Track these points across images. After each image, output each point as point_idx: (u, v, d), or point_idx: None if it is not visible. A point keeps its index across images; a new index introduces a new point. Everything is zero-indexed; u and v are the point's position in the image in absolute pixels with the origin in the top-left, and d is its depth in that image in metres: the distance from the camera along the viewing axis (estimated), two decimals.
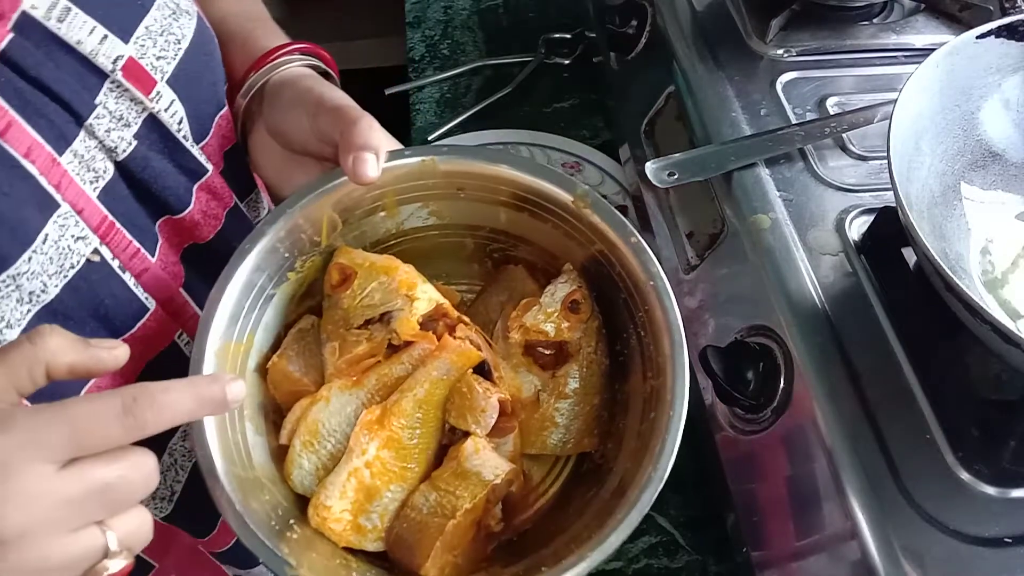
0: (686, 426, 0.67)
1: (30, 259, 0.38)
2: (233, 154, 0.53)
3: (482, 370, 0.45)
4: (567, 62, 0.99)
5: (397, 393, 0.44)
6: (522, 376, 0.46)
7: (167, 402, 0.33)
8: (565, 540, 0.41)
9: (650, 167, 0.66)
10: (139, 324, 0.44)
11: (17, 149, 0.37)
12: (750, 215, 0.62)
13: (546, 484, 0.48)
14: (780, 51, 0.74)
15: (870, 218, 0.61)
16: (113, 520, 0.32)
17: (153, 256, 0.45)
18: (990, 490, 0.48)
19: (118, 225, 0.42)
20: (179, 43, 0.45)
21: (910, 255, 0.57)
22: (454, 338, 0.45)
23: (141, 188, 0.44)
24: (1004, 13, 0.74)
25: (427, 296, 0.45)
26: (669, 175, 0.65)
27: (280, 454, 0.44)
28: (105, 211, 0.42)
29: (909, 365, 0.53)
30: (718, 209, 0.66)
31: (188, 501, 0.50)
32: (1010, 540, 0.47)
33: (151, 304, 0.45)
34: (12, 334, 0.38)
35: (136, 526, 0.34)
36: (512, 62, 1.00)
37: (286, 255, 0.46)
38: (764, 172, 0.65)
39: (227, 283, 0.43)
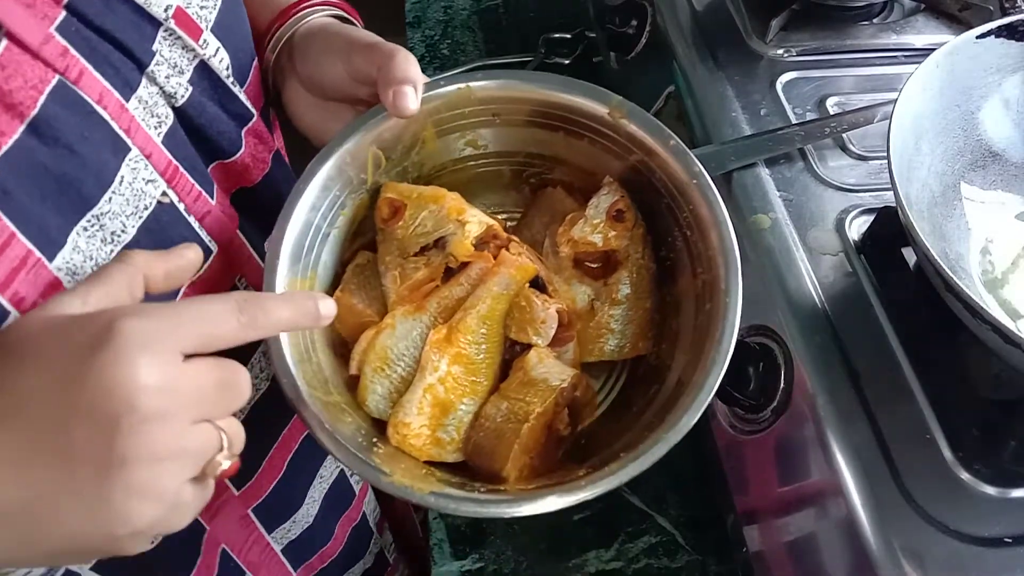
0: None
1: (110, 200, 0.40)
2: (264, 104, 0.55)
3: (537, 285, 0.46)
4: (567, 62, 0.99)
5: (460, 311, 0.45)
6: (575, 288, 0.48)
7: (272, 307, 0.36)
8: (632, 436, 0.43)
9: None
10: (205, 266, 0.46)
11: (90, 95, 0.39)
12: (750, 215, 0.62)
13: (606, 390, 0.49)
14: (780, 51, 0.74)
15: (870, 218, 0.61)
16: (221, 421, 0.35)
17: (212, 200, 0.47)
18: (990, 490, 0.48)
19: (182, 169, 0.44)
20: None
21: (910, 255, 0.57)
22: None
23: (198, 133, 0.46)
24: (1004, 13, 0.74)
25: (477, 219, 0.46)
26: None
27: (352, 384, 0.46)
28: (169, 155, 0.43)
29: (909, 365, 0.53)
30: None
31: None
32: (1010, 540, 0.47)
33: (214, 247, 0.47)
34: None
35: (237, 430, 0.36)
36: (512, 62, 1.00)
37: (337, 193, 0.47)
38: (764, 172, 0.65)
39: (287, 222, 0.45)
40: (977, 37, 0.59)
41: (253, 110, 0.49)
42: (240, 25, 0.50)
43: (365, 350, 0.45)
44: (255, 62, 0.52)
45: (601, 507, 0.53)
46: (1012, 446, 0.51)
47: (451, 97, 0.49)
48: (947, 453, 0.50)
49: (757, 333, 0.58)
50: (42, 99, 0.36)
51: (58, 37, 0.37)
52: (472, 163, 0.51)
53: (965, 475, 0.49)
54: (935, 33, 0.76)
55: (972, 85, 0.61)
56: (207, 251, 0.46)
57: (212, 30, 0.46)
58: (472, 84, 0.48)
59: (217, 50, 0.46)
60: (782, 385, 0.55)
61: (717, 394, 0.58)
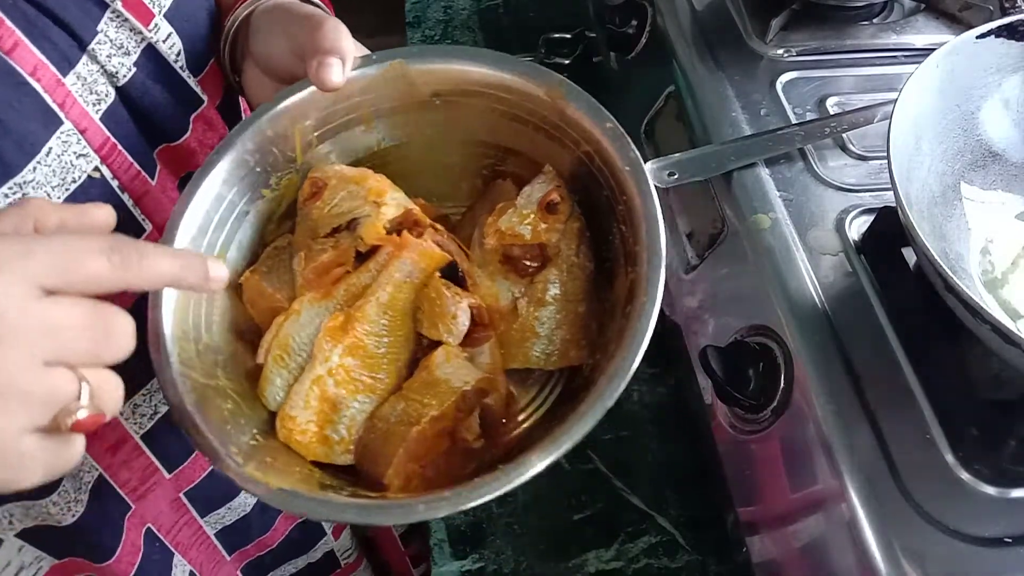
0: (687, 424, 0.68)
1: (35, 169, 0.40)
2: (228, 93, 0.55)
3: (455, 278, 0.43)
4: (567, 62, 0.99)
5: (362, 299, 0.42)
6: (499, 284, 0.44)
7: (151, 252, 0.33)
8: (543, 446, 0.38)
9: (650, 167, 0.66)
10: None
11: (23, 67, 0.39)
12: (750, 215, 0.62)
13: (537, 402, 0.45)
14: (780, 51, 0.74)
15: (870, 218, 0.61)
16: (88, 371, 0.31)
17: (153, 180, 0.47)
18: (990, 490, 0.48)
19: (120, 147, 0.44)
20: None
21: (910, 255, 0.57)
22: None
23: (141, 114, 0.46)
24: (1004, 13, 0.74)
25: (396, 202, 0.43)
26: (669, 175, 0.65)
27: (256, 374, 0.42)
28: (107, 133, 0.43)
29: (909, 365, 0.53)
30: (718, 209, 0.65)
31: (166, 426, 0.51)
32: (1010, 540, 0.47)
33: (148, 226, 0.47)
34: None
35: (110, 385, 0.33)
36: None
37: (258, 170, 0.44)
38: (764, 172, 0.65)
39: (195, 191, 0.42)
40: (977, 37, 0.59)
41: (204, 97, 0.49)
42: (199, 14, 0.50)
43: (273, 337, 0.42)
44: (213, 47, 0.52)
45: (601, 507, 0.53)
46: (1012, 446, 0.51)
47: (383, 74, 0.45)
48: (947, 453, 0.49)
49: (757, 333, 0.58)
50: None
51: None
52: (418, 150, 0.47)
53: (965, 475, 0.49)
54: (935, 33, 0.76)
55: (972, 85, 0.61)
56: (140, 229, 0.46)
57: (165, 15, 0.46)
58: (405, 60, 0.44)
59: (168, 35, 0.46)
60: (782, 385, 0.55)
61: (718, 395, 0.58)
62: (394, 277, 0.42)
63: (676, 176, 0.65)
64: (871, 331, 0.55)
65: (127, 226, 0.45)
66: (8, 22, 0.39)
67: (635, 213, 0.41)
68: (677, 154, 0.66)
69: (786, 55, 0.74)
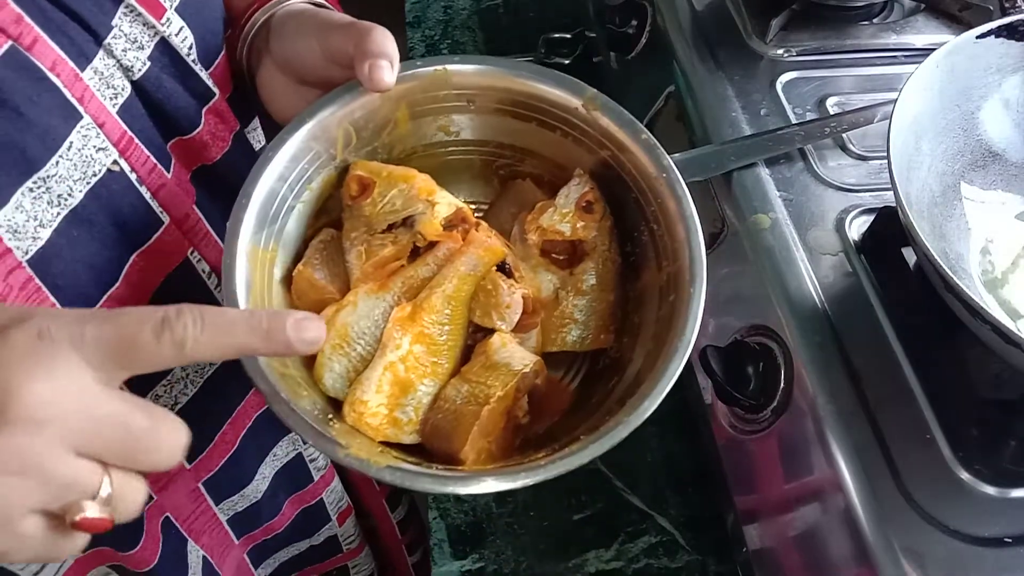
0: (687, 424, 0.68)
1: (57, 163, 0.41)
2: (236, 85, 0.55)
3: (503, 270, 0.46)
4: (567, 62, 0.99)
5: (426, 290, 0.45)
6: (541, 276, 0.48)
7: (217, 322, 0.33)
8: (594, 421, 0.42)
9: None
10: (154, 237, 0.46)
11: (43, 62, 0.40)
12: (750, 215, 0.62)
13: (565, 382, 0.49)
14: (780, 51, 0.74)
15: (870, 218, 0.61)
16: (115, 470, 0.31)
17: (168, 173, 0.47)
18: (990, 490, 0.48)
19: (136, 141, 0.45)
20: None
21: (910, 255, 0.57)
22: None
23: (155, 107, 0.46)
24: (1004, 13, 0.74)
25: (447, 201, 0.46)
26: None
27: (308, 362, 0.44)
28: (124, 127, 0.44)
29: (909, 365, 0.53)
30: (718, 209, 0.66)
31: (187, 417, 0.52)
32: (1010, 540, 0.47)
33: (165, 219, 0.47)
34: (45, 233, 0.41)
35: (133, 493, 0.32)
36: None
37: (305, 166, 0.47)
38: (764, 172, 0.65)
39: (254, 186, 0.44)
40: (977, 37, 0.59)
41: (215, 90, 0.50)
42: (210, 9, 0.51)
43: (324, 327, 0.43)
44: (223, 41, 0.52)
45: (601, 507, 0.53)
46: (1012, 446, 0.51)
47: (427, 79, 0.48)
48: (947, 453, 0.50)
49: (757, 333, 0.58)
50: None
51: (12, 5, 0.38)
52: (442, 150, 0.50)
53: (965, 475, 0.49)
54: (935, 33, 0.76)
55: (972, 85, 0.61)
56: (158, 222, 0.47)
57: (177, 9, 0.47)
58: (449, 67, 0.48)
59: (180, 29, 0.47)
60: (782, 385, 0.55)
61: (718, 395, 0.58)
62: (460, 270, 0.45)
63: None
64: (871, 331, 0.55)
65: (145, 219, 0.46)
66: (27, 18, 0.39)
67: (671, 216, 0.45)
68: (677, 154, 0.66)
69: (786, 55, 0.74)
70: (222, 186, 0.51)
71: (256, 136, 0.64)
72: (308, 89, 0.52)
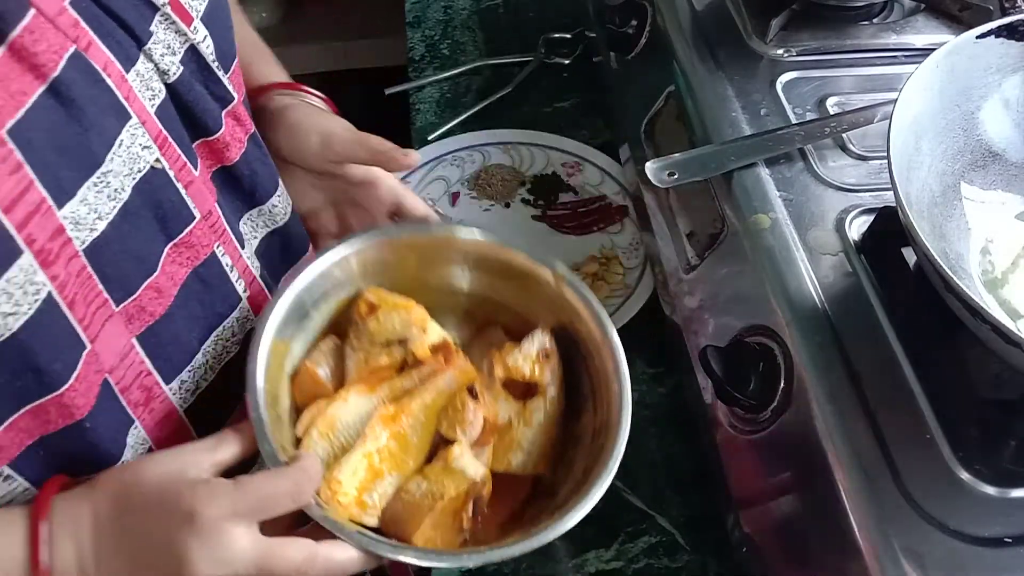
0: (687, 424, 0.68)
1: (111, 160, 0.44)
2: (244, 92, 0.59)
3: (471, 393, 0.54)
4: (567, 62, 0.99)
5: (408, 397, 0.53)
6: (500, 404, 0.56)
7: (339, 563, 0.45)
8: (524, 530, 0.51)
9: (650, 167, 0.66)
10: (188, 229, 0.50)
11: (98, 64, 0.43)
12: (750, 215, 0.62)
13: (506, 497, 0.57)
14: (780, 51, 0.74)
15: (870, 218, 0.61)
16: None
17: (196, 171, 0.51)
18: (990, 490, 0.48)
19: (171, 140, 0.48)
20: None
21: (910, 255, 0.57)
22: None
23: (185, 110, 0.50)
24: (1004, 13, 0.74)
25: (436, 332, 0.56)
26: (669, 175, 0.65)
27: (295, 444, 0.52)
28: (160, 126, 0.47)
29: (909, 365, 0.53)
30: (718, 209, 0.66)
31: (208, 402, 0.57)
32: (1010, 540, 0.47)
33: (197, 214, 0.51)
34: (101, 225, 0.44)
35: None
36: (512, 62, 1.00)
37: (328, 285, 0.56)
38: (764, 172, 0.65)
39: (287, 289, 0.53)
40: (977, 37, 0.59)
41: (234, 94, 0.54)
42: (225, 16, 0.55)
43: (315, 415, 0.52)
44: (237, 51, 0.57)
45: (601, 507, 0.53)
46: (1012, 446, 0.51)
47: (438, 237, 0.60)
48: (947, 453, 0.49)
49: (757, 333, 0.58)
50: (62, 63, 0.41)
51: (71, 10, 0.42)
52: (438, 291, 0.60)
53: (965, 475, 0.49)
54: (935, 33, 0.76)
55: (972, 85, 0.61)
56: (191, 216, 0.50)
57: (202, 19, 0.50)
58: (457, 234, 0.59)
59: (205, 37, 0.51)
60: (782, 385, 0.55)
61: (718, 395, 0.59)
62: (439, 386, 0.54)
63: (676, 176, 0.65)
64: (871, 331, 0.55)
65: (181, 213, 0.50)
66: (83, 23, 0.43)
67: (607, 374, 0.55)
68: (677, 154, 0.67)
69: (786, 55, 0.74)
70: (237, 187, 0.56)
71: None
72: (293, 171, 0.62)
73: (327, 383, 0.55)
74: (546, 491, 0.56)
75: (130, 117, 0.45)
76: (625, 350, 0.55)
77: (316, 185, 0.65)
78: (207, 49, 0.51)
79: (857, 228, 0.61)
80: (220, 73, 0.52)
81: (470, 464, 0.52)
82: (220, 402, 0.55)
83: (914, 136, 0.57)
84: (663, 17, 0.80)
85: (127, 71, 0.45)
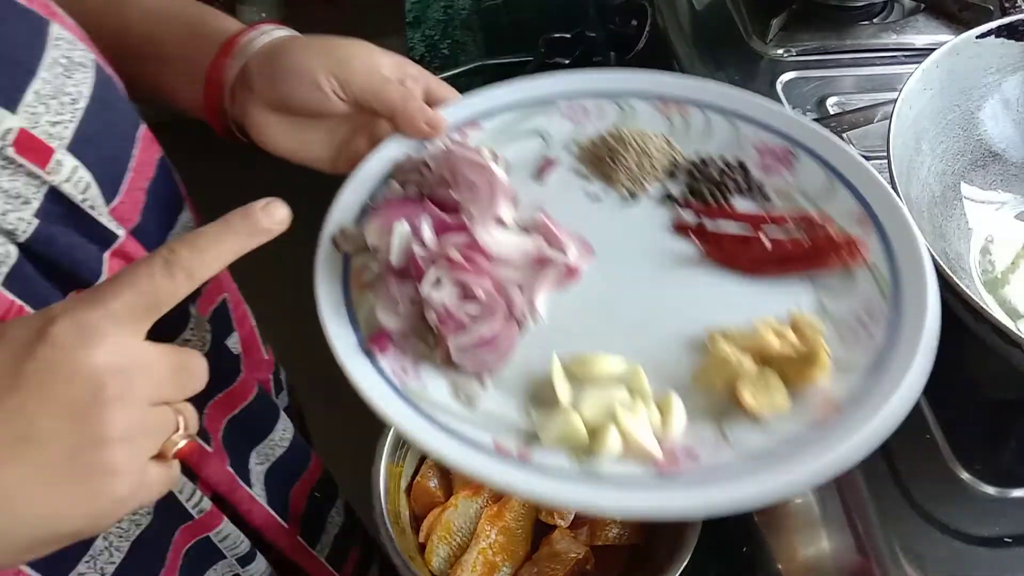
0: None
1: None
2: (155, 187, 0.48)
3: None
4: (567, 62, 0.99)
5: (507, 496, 0.60)
6: None
7: (206, 241, 0.36)
8: None
9: None
10: None
11: None
12: None
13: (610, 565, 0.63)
14: (780, 51, 0.74)
15: None
16: (178, 404, 0.36)
17: None
18: (990, 490, 0.48)
19: (27, 308, 0.39)
20: (76, 103, 0.41)
21: None
22: None
23: (48, 266, 0.41)
24: (1004, 13, 0.74)
25: None
26: None
27: (420, 549, 0.60)
28: (12, 297, 0.38)
29: None
30: None
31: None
32: (1010, 540, 0.47)
33: None
34: None
35: (191, 413, 0.37)
36: (512, 62, 1.00)
37: None
38: None
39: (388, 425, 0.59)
40: (977, 37, 0.59)
41: (119, 231, 0.44)
42: (109, 130, 0.44)
43: (432, 523, 0.60)
44: (132, 161, 0.46)
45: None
46: (1012, 446, 0.51)
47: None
48: (947, 453, 0.49)
49: None
50: None
51: None
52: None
53: (965, 475, 0.49)
54: (935, 33, 0.76)
55: (972, 85, 0.61)
56: None
57: (69, 148, 0.40)
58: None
59: (74, 170, 0.40)
60: None
61: None
62: None
63: None
64: None
65: None
66: None
67: None
68: None
69: (786, 55, 0.74)
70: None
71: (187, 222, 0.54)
72: (309, 121, 0.53)
73: (438, 492, 0.62)
74: (644, 556, 0.60)
75: None
76: None
77: (335, 127, 0.55)
78: (74, 188, 0.40)
79: None
80: (95, 213, 0.42)
81: (571, 546, 0.58)
82: None
83: (914, 136, 0.57)
84: (663, 17, 0.80)
85: None
